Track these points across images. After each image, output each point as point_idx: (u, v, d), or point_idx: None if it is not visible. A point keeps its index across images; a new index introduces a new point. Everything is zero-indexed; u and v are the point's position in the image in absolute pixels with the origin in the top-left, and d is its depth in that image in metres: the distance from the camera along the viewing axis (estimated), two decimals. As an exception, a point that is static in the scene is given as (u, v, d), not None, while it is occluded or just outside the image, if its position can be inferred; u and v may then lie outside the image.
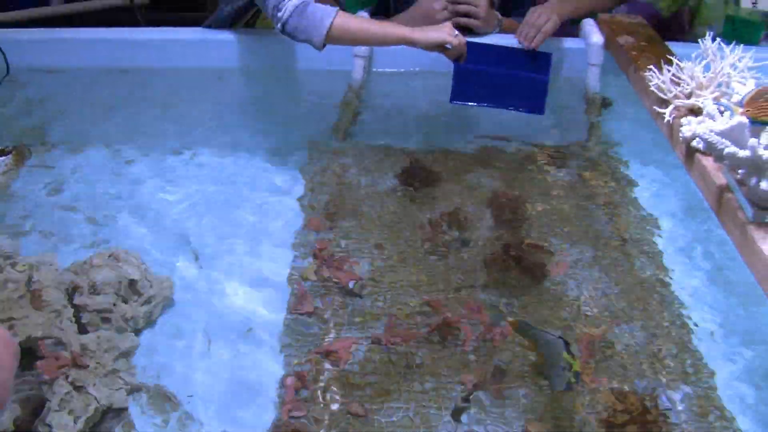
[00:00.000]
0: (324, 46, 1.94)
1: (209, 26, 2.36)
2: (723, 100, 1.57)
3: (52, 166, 1.95)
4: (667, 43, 2.13)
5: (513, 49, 2.16)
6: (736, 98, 1.43)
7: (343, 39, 1.96)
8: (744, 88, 1.47)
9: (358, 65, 2.27)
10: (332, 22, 1.92)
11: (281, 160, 2.02)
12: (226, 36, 2.33)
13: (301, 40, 1.95)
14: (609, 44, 2.20)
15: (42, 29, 2.45)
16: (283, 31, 1.94)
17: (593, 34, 2.23)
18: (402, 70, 2.32)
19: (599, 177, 1.97)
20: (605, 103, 2.24)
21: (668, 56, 1.87)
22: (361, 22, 1.97)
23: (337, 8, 1.95)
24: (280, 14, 1.93)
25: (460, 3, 2.27)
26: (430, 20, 2.27)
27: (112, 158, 2.02)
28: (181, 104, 2.28)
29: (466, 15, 2.29)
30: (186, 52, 2.34)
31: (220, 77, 2.32)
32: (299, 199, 1.86)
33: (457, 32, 1.97)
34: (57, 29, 2.44)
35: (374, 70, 2.34)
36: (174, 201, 1.86)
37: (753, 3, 1.45)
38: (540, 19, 2.18)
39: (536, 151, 2.07)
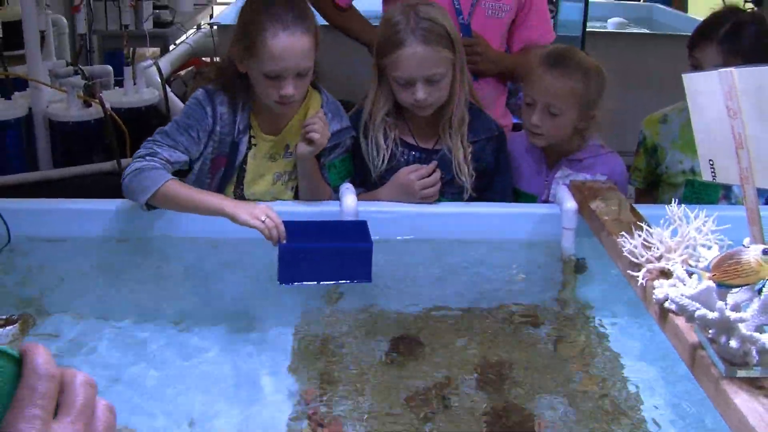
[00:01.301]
0: (150, 208, 2.24)
1: None
2: (691, 262, 1.70)
3: (55, 334, 2.01)
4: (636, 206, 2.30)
5: (330, 222, 2.28)
6: (703, 263, 1.55)
7: (167, 205, 2.25)
8: (709, 252, 1.60)
9: None
10: (158, 189, 2.18)
11: (272, 329, 2.08)
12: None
13: (132, 200, 2.24)
14: (582, 209, 2.34)
15: (41, 200, 2.54)
16: (123, 188, 2.23)
17: (567, 200, 2.37)
18: (388, 238, 2.43)
19: (577, 336, 2.07)
20: (580, 265, 2.37)
21: (638, 222, 2.01)
22: (189, 192, 2.21)
23: (171, 177, 2.20)
24: (124, 172, 2.23)
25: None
26: (409, 192, 2.44)
27: (109, 328, 2.07)
28: (176, 273, 2.37)
29: None
30: (179, 221, 2.40)
31: (215, 246, 2.41)
32: (290, 367, 1.92)
33: (266, 216, 2.09)
34: (55, 200, 2.53)
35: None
36: (169, 374, 1.90)
37: (713, 176, 1.60)
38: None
39: (515, 312, 2.16)
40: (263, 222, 2.09)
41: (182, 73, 6.83)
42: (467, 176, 2.49)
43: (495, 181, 2.59)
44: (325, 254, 2.14)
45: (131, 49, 4.35)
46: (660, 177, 2.74)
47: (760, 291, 1.42)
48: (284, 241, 2.11)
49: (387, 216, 2.40)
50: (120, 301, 2.21)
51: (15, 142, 3.98)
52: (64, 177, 3.78)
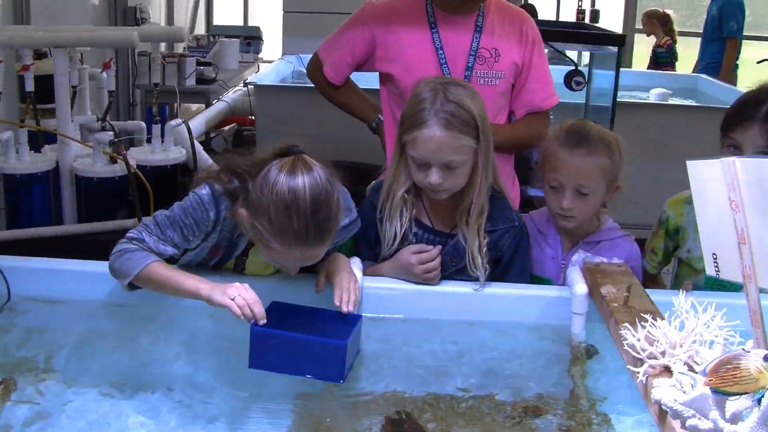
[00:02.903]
0: (132, 288, 2.18)
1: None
2: (697, 359, 1.59)
3: (36, 402, 1.95)
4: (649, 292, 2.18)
5: (324, 311, 2.15)
6: (701, 366, 1.44)
7: (149, 287, 2.18)
8: (710, 353, 1.49)
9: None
10: (139, 272, 2.12)
11: (267, 406, 2.01)
12: (217, 277, 2.33)
13: (117, 280, 2.18)
14: (592, 293, 2.23)
15: (41, 259, 2.50)
16: (108, 267, 2.19)
17: (577, 283, 2.27)
18: (389, 316, 2.37)
19: (586, 431, 1.94)
20: (590, 353, 2.24)
21: (651, 311, 1.90)
22: (169, 274, 2.13)
23: (153, 259, 2.14)
24: (111, 252, 2.19)
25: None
26: (409, 273, 2.37)
27: (101, 395, 2.01)
28: (173, 343, 2.30)
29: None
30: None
31: (212, 315, 2.32)
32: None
33: (236, 294, 1.99)
34: (57, 260, 2.50)
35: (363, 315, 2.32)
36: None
37: (716, 271, 1.49)
38: (351, 285, 2.21)
39: (520, 403, 2.04)
40: (233, 299, 2.00)
41: (225, 129, 6.93)
42: (481, 268, 2.36)
43: (510, 273, 2.47)
44: (294, 344, 2.00)
45: (160, 106, 4.35)
46: (681, 261, 2.62)
47: (760, 401, 1.30)
48: (263, 322, 2.00)
49: (389, 293, 2.33)
50: (113, 367, 2.15)
51: (41, 195, 4.00)
52: (84, 233, 3.79)
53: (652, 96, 6.03)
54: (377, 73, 2.97)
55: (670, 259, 2.65)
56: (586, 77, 4.17)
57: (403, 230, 2.40)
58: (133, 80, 6.62)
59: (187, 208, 2.20)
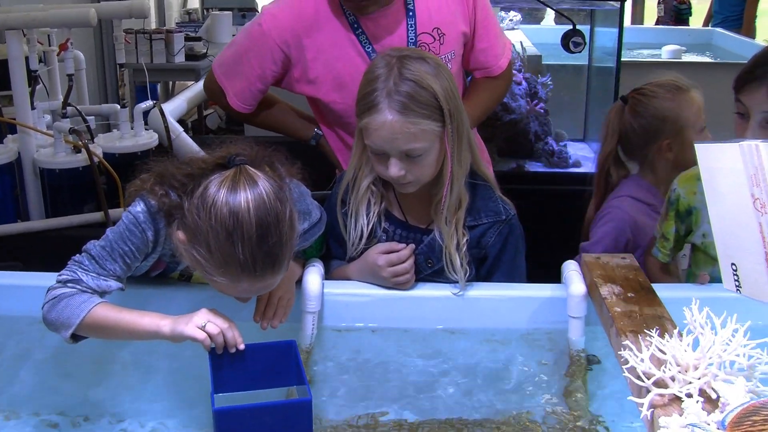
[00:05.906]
0: (77, 339, 1.82)
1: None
2: (715, 386, 1.27)
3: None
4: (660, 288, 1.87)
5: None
6: (715, 417, 1.11)
7: (96, 334, 1.85)
8: (730, 391, 1.17)
9: (308, 322, 2.03)
10: (82, 320, 1.78)
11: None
12: (166, 290, 2.14)
13: (55, 332, 1.83)
14: (591, 294, 1.92)
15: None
16: (43, 319, 1.84)
17: (574, 281, 1.95)
18: (357, 326, 2.10)
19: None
20: (591, 362, 1.93)
21: (650, 324, 1.57)
22: (121, 316, 1.80)
23: (97, 301, 1.80)
24: (44, 299, 1.83)
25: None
26: (377, 276, 2.08)
27: (39, 427, 1.81)
28: (121, 363, 2.05)
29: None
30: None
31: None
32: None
33: (206, 321, 1.71)
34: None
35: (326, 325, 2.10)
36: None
37: (736, 286, 1.17)
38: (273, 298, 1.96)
39: (507, 423, 1.76)
40: (203, 328, 1.71)
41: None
42: (460, 271, 2.06)
43: (496, 274, 2.16)
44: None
45: (127, 88, 4.07)
46: (695, 247, 2.28)
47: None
48: (242, 347, 1.73)
49: (355, 300, 2.05)
50: (53, 395, 1.93)
51: (3, 189, 3.73)
52: (47, 229, 3.53)
53: (665, 53, 5.67)
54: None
55: (683, 245, 2.31)
56: (588, 37, 3.83)
57: (370, 226, 2.10)
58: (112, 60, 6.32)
59: (123, 233, 1.87)
